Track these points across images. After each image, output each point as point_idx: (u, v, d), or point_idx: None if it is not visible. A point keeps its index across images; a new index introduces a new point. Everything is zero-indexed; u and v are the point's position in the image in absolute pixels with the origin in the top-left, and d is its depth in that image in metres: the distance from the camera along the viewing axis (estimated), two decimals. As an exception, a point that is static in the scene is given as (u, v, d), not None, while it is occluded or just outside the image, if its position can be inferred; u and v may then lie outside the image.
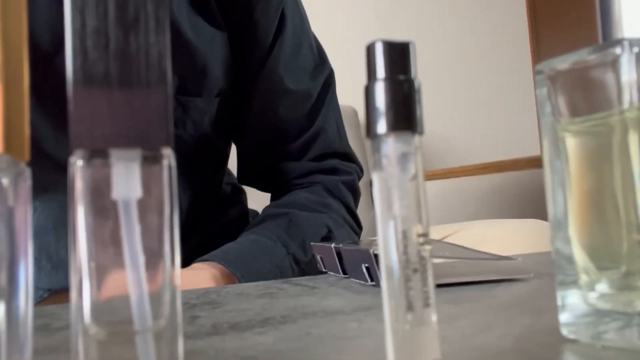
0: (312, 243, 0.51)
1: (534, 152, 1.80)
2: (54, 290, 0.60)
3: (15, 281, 0.18)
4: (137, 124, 0.17)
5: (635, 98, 0.18)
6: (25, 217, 0.19)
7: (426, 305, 0.18)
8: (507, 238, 0.76)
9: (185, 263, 0.53)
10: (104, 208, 0.17)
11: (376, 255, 0.37)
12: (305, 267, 0.57)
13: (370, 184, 1.42)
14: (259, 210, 0.75)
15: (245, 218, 0.72)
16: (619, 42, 0.18)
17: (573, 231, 0.21)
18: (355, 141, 1.41)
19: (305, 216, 0.60)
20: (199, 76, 0.60)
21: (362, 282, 0.39)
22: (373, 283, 0.38)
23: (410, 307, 0.17)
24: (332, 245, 0.44)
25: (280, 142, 0.65)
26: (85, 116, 0.17)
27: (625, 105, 0.18)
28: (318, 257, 0.48)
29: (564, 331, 0.21)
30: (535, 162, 1.35)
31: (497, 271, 0.37)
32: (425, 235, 0.18)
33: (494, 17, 1.89)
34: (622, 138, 0.19)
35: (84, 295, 0.17)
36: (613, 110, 0.19)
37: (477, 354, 0.20)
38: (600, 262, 0.21)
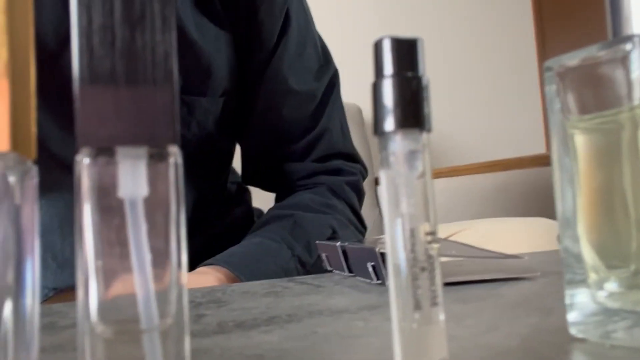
0: (317, 242, 0.50)
1: (539, 150, 1.80)
2: (59, 289, 0.60)
3: (22, 279, 0.18)
4: (143, 122, 0.17)
5: (645, 95, 0.18)
6: (32, 215, 0.19)
7: (434, 304, 0.17)
8: (512, 236, 0.75)
9: (190, 262, 0.53)
10: (110, 206, 0.17)
11: (382, 254, 0.37)
12: (311, 269, 0.57)
13: (375, 182, 1.42)
14: (264, 209, 0.75)
15: (250, 217, 0.72)
16: (630, 38, 0.18)
17: (582, 229, 0.21)
18: (359, 139, 1.41)
19: (310, 217, 0.60)
20: (203, 76, 0.60)
21: (368, 280, 0.39)
22: (379, 281, 0.38)
23: (417, 305, 0.17)
24: (338, 244, 0.44)
25: (284, 142, 0.65)
26: (91, 114, 0.17)
27: (636, 102, 0.18)
28: (323, 255, 0.48)
29: (573, 330, 0.21)
30: (540, 160, 1.35)
31: (503, 270, 0.37)
32: (433, 233, 0.18)
33: (499, 15, 1.88)
34: (632, 135, 0.19)
35: (90, 293, 0.17)
36: (623, 107, 0.19)
37: (484, 353, 0.20)
38: (609, 260, 0.20)
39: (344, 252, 0.43)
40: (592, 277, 0.21)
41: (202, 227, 0.63)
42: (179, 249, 0.18)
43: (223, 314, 0.32)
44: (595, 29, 1.64)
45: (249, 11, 0.61)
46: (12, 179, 0.17)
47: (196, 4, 0.59)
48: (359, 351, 0.23)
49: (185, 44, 0.57)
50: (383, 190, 0.18)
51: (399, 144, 0.18)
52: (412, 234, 0.18)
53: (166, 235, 0.18)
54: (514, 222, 0.85)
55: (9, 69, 0.17)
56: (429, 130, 0.18)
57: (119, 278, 0.17)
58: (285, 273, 0.54)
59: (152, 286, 0.17)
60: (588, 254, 0.21)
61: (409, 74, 0.18)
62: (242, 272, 0.51)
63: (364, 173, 0.70)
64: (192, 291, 0.41)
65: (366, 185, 0.72)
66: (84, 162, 0.17)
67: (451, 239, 0.74)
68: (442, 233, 0.71)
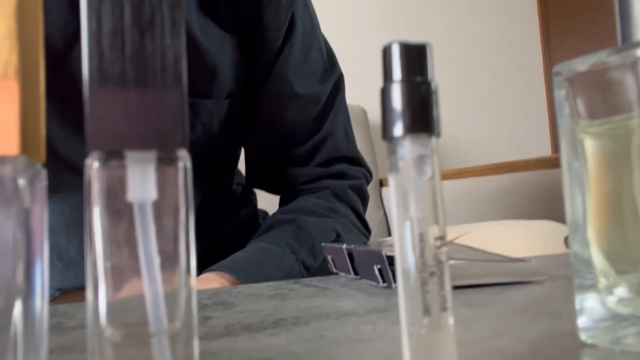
0: (323, 244, 0.50)
1: (544, 152, 1.79)
2: (64, 289, 0.60)
3: (31, 281, 0.18)
4: (152, 126, 0.17)
5: (656, 100, 0.18)
6: (41, 217, 0.19)
7: (443, 309, 0.17)
8: (517, 239, 0.75)
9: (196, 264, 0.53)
10: (119, 210, 0.17)
11: (388, 257, 0.37)
12: (315, 273, 0.57)
13: (380, 184, 1.42)
14: (269, 210, 0.75)
15: (255, 219, 0.72)
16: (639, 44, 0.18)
17: (591, 234, 0.21)
18: (364, 141, 1.41)
19: (314, 222, 0.60)
20: (208, 78, 0.60)
21: (374, 283, 0.39)
22: (385, 284, 0.38)
23: (427, 311, 0.17)
24: (344, 246, 0.44)
25: (288, 145, 0.65)
26: (101, 118, 0.17)
27: (646, 107, 0.18)
28: (329, 257, 0.48)
29: (582, 336, 0.21)
30: (546, 163, 1.35)
31: (510, 273, 0.37)
32: (442, 238, 0.18)
33: (505, 18, 1.88)
34: (642, 140, 0.19)
35: (99, 297, 0.17)
36: (633, 112, 0.19)
37: (493, 359, 0.20)
38: (619, 265, 0.20)
39: (350, 255, 0.43)
40: (602, 282, 0.21)
41: (208, 229, 0.63)
42: (188, 253, 0.18)
43: (230, 316, 0.32)
44: (600, 32, 1.63)
45: (254, 14, 0.61)
46: (21, 182, 0.17)
47: (201, 6, 0.59)
48: (367, 355, 0.23)
49: (191, 46, 0.57)
50: (392, 194, 0.18)
51: (408, 148, 0.18)
52: (421, 238, 0.18)
53: (175, 239, 0.18)
54: (519, 224, 0.85)
55: (19, 72, 0.17)
56: (438, 135, 0.18)
57: (128, 282, 0.17)
58: (290, 278, 0.54)
59: (161, 290, 0.17)
60: (597, 258, 0.21)
61: (418, 78, 0.18)
62: (246, 278, 0.51)
63: (368, 177, 0.70)
64: (197, 293, 0.41)
65: (370, 187, 0.72)
66: (93, 165, 0.17)
67: (457, 241, 0.74)
68: (447, 235, 0.71)
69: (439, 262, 0.18)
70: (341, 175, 0.66)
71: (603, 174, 0.21)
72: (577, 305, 0.21)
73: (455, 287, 0.35)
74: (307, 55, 0.64)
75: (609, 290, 0.20)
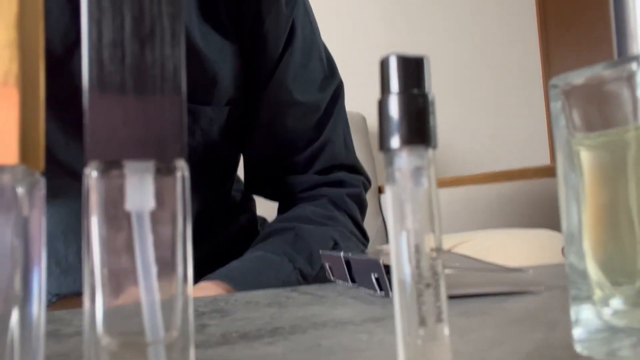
0: (320, 252, 0.50)
1: (543, 161, 1.80)
2: (62, 295, 0.60)
3: (29, 288, 0.18)
4: (151, 136, 0.17)
5: (651, 113, 0.18)
6: (39, 225, 0.19)
7: (439, 320, 0.18)
8: (515, 248, 0.75)
9: (194, 270, 0.53)
10: (117, 219, 0.18)
11: (386, 266, 0.37)
12: (313, 281, 0.56)
13: (379, 190, 1.42)
14: (268, 217, 0.75)
15: (254, 225, 0.72)
16: (635, 58, 0.18)
17: (587, 245, 0.21)
18: (363, 148, 1.42)
19: (311, 230, 0.60)
20: (208, 85, 0.60)
21: (371, 291, 0.39)
22: (382, 293, 0.38)
23: (422, 322, 0.17)
24: (341, 254, 0.44)
25: (287, 152, 0.65)
26: (100, 128, 0.17)
27: (641, 120, 0.18)
28: (327, 265, 0.48)
29: (578, 347, 0.21)
30: (544, 172, 1.35)
31: (508, 283, 0.37)
32: (438, 249, 0.18)
33: (504, 27, 1.89)
34: (637, 153, 0.19)
35: (96, 306, 0.17)
36: (628, 125, 0.19)
37: (489, 369, 0.20)
38: (614, 277, 0.20)
39: (348, 263, 0.43)
40: (598, 293, 0.21)
41: (207, 235, 0.63)
42: (185, 262, 0.18)
43: (227, 324, 0.32)
44: (599, 42, 1.64)
45: (254, 22, 0.61)
46: (20, 190, 0.17)
47: (202, 13, 0.60)
48: (363, 365, 0.23)
49: (191, 53, 0.58)
50: (389, 205, 0.18)
51: (404, 160, 0.18)
52: (417, 249, 0.18)
53: (172, 248, 0.18)
54: (517, 233, 0.85)
55: (19, 82, 0.17)
56: (434, 147, 0.18)
57: (125, 291, 0.17)
58: (287, 286, 0.54)
59: (158, 299, 0.18)
60: (593, 270, 0.21)
61: (415, 91, 0.18)
62: (242, 287, 0.51)
63: (366, 184, 0.70)
64: (194, 300, 0.41)
65: (369, 194, 0.72)
66: (92, 175, 0.17)
67: (454, 250, 0.74)
68: (445, 244, 0.71)
69: (435, 274, 0.18)
70: (339, 183, 0.66)
71: (599, 186, 0.21)
72: (573, 316, 0.21)
73: (452, 297, 0.35)
74: (307, 63, 0.64)
75: (605, 302, 0.20)
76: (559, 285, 0.38)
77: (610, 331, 0.20)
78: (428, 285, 0.17)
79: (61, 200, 0.58)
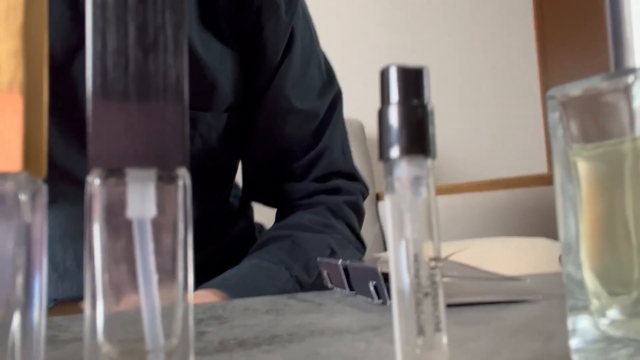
0: (318, 259, 0.51)
1: (540, 169, 1.80)
2: (59, 300, 0.60)
3: (30, 294, 0.18)
4: (153, 145, 0.17)
5: (647, 126, 0.18)
6: (41, 232, 0.19)
7: (437, 329, 0.18)
8: (512, 256, 0.75)
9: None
10: (119, 226, 0.18)
11: (384, 274, 0.37)
12: (310, 288, 0.56)
13: (377, 197, 1.42)
14: (266, 223, 0.75)
15: (251, 232, 0.72)
16: (632, 70, 0.19)
17: (584, 256, 0.21)
18: (361, 155, 1.42)
19: (308, 237, 0.60)
20: (207, 91, 0.60)
21: (369, 299, 0.39)
22: (380, 301, 0.38)
23: (421, 331, 0.18)
24: (340, 261, 0.44)
25: (285, 159, 0.66)
26: (103, 136, 0.17)
27: (637, 132, 0.19)
28: (325, 273, 0.48)
29: (575, 357, 0.21)
30: (542, 180, 1.35)
31: (505, 292, 0.37)
32: (437, 259, 0.18)
33: (502, 36, 1.90)
34: (634, 165, 0.19)
35: (97, 313, 0.17)
36: (625, 137, 0.19)
37: (486, 378, 0.20)
38: (611, 287, 0.20)
39: (346, 270, 0.43)
40: (595, 303, 0.21)
41: (205, 241, 0.63)
42: (186, 270, 0.18)
43: (224, 331, 0.32)
44: (596, 51, 1.65)
45: (254, 29, 0.62)
46: (23, 197, 0.18)
47: (202, 21, 0.60)
48: (361, 373, 0.23)
49: (191, 59, 0.57)
50: (388, 215, 0.18)
51: (404, 170, 0.18)
52: (416, 259, 0.18)
53: (173, 256, 0.18)
54: (514, 242, 0.85)
55: (23, 89, 0.17)
56: (433, 157, 0.18)
57: (126, 298, 0.18)
58: (284, 294, 0.54)
59: (158, 306, 0.18)
60: (590, 280, 0.21)
61: (415, 101, 0.18)
62: (239, 295, 0.51)
63: (364, 192, 0.70)
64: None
65: (367, 201, 0.72)
66: (95, 183, 0.17)
67: (452, 258, 0.74)
68: (442, 252, 0.71)
69: (433, 283, 0.18)
70: (337, 191, 0.66)
71: (596, 197, 0.21)
72: (570, 326, 0.21)
73: (449, 305, 0.35)
74: (306, 71, 0.65)
75: (602, 312, 0.20)
76: (557, 294, 0.38)
77: (607, 341, 0.20)
78: (427, 295, 0.18)
79: (59, 205, 0.58)
